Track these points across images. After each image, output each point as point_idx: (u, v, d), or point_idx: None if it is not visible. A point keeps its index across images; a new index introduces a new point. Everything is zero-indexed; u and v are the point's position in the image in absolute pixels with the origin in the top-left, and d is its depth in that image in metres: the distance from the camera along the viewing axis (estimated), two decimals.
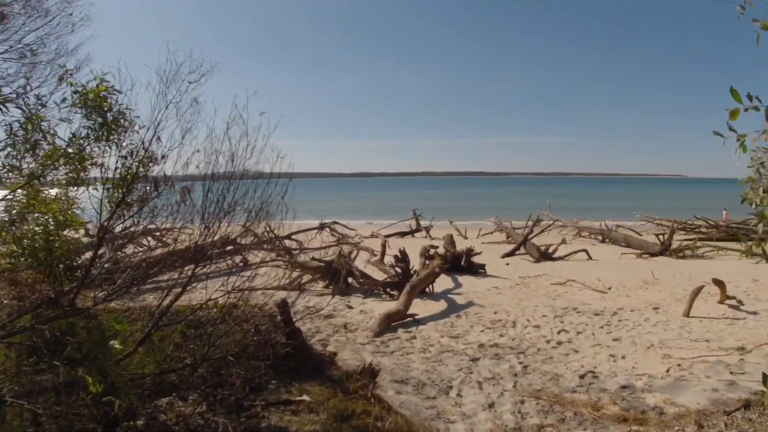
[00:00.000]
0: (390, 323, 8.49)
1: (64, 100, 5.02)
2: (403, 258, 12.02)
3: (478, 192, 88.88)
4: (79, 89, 5.13)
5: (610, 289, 11.83)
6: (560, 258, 16.38)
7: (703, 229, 23.35)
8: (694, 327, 8.75)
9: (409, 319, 8.91)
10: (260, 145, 4.79)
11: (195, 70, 5.12)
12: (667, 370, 6.70)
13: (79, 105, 5.18)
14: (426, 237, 23.40)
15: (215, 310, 6.40)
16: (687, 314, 9.53)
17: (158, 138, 5.40)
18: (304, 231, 21.28)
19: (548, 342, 7.70)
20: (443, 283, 12.22)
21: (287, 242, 19.37)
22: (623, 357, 7.13)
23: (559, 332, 8.26)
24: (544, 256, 16.37)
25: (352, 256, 13.00)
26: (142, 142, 4.94)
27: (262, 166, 4.85)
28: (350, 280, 12.03)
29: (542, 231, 20.84)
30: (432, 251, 14.79)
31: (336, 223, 23.99)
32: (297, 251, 18.30)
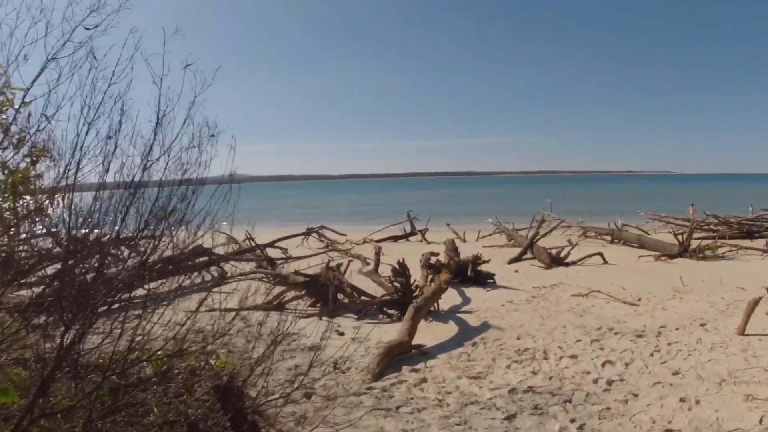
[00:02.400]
0: (392, 359, 6.77)
1: None
2: (402, 271, 10.31)
3: (470, 193, 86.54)
4: None
5: (640, 300, 10.20)
6: (573, 263, 14.73)
7: (713, 227, 21.88)
8: (758, 349, 7.13)
9: (414, 351, 7.20)
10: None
11: (97, 9, 3.36)
12: (761, 420, 5.07)
13: None
14: (422, 241, 21.70)
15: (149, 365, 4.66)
16: (742, 332, 7.93)
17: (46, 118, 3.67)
18: (288, 237, 19.49)
19: (595, 381, 5.98)
20: (449, 297, 10.52)
21: (270, 251, 17.64)
22: (697, 402, 5.44)
23: (603, 364, 6.55)
24: (555, 260, 14.69)
25: (342, 268, 11.24)
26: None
27: (185, 156, 3.05)
28: (340, 296, 10.31)
29: (547, 233, 19.18)
30: (434, 260, 13.11)
31: (324, 227, 22.20)
32: (282, 261, 16.57)
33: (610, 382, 5.93)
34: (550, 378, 6.11)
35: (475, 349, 7.32)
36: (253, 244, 16.38)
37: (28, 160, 4.20)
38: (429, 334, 8.22)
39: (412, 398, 5.59)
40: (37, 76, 3.66)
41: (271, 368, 6.55)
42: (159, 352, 4.68)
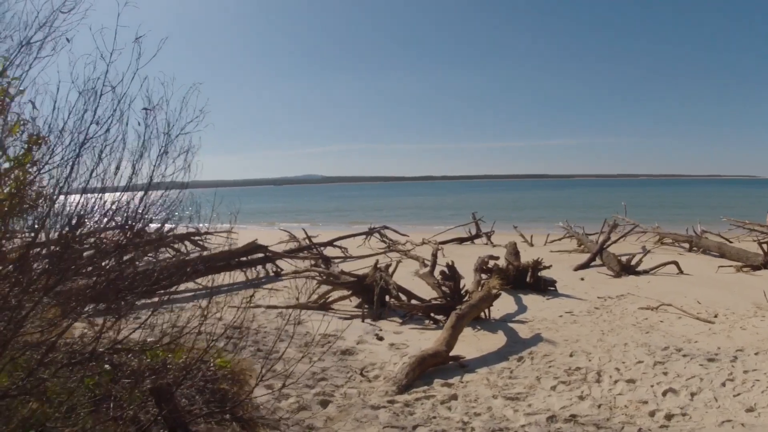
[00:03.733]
0: (424, 370, 6.11)
1: None
2: (451, 275, 9.62)
3: (543, 195, 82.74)
4: None
5: (716, 316, 9.00)
6: (645, 272, 13.43)
7: None
8: None
9: (452, 363, 6.50)
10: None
11: None
12: None
13: None
14: (487, 244, 20.73)
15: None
16: None
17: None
18: (348, 236, 19.12)
19: (652, 415, 5.05)
20: (504, 304, 9.72)
21: (329, 249, 17.33)
22: None
23: (664, 393, 5.59)
24: (626, 269, 13.44)
25: (390, 269, 10.66)
26: None
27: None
28: (387, 298, 9.73)
29: (620, 238, 17.80)
30: (492, 263, 12.30)
31: (386, 228, 21.62)
32: (340, 260, 16.18)
33: (669, 417, 5.00)
34: (599, 406, 5.25)
35: (520, 364, 6.51)
36: (309, 242, 16.10)
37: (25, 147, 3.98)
38: (474, 344, 7.49)
39: (434, 417, 4.90)
40: (9, 63, 3.36)
41: (293, 372, 6.07)
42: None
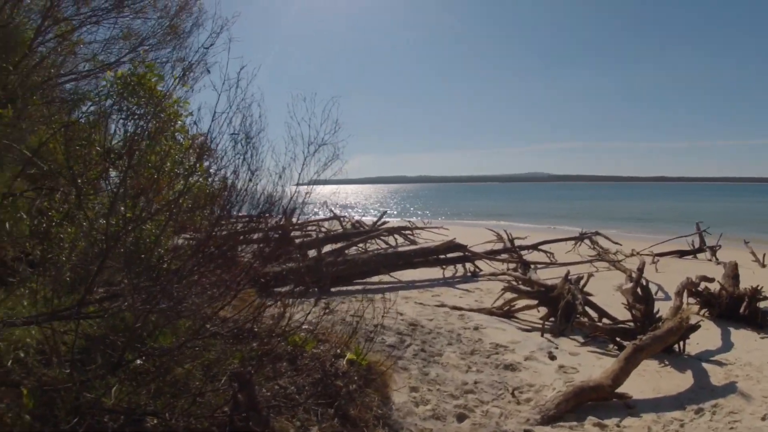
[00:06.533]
0: (581, 403, 5.40)
1: None
2: (644, 296, 8.46)
3: None
4: None
5: None
6: None
7: None
8: None
9: (615, 400, 5.66)
10: None
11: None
12: None
13: None
14: (711, 260, 17.74)
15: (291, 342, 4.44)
16: None
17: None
18: (556, 241, 17.98)
19: None
20: (705, 337, 8.21)
21: (534, 254, 16.55)
22: None
23: None
24: None
25: (582, 282, 9.73)
26: None
27: None
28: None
29: None
30: (703, 285, 10.51)
31: (598, 234, 19.70)
32: (543, 266, 15.33)
33: None
34: None
35: (696, 417, 5.34)
36: (511, 244, 15.51)
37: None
38: (652, 381, 6.41)
39: None
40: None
41: (445, 379, 5.88)
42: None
